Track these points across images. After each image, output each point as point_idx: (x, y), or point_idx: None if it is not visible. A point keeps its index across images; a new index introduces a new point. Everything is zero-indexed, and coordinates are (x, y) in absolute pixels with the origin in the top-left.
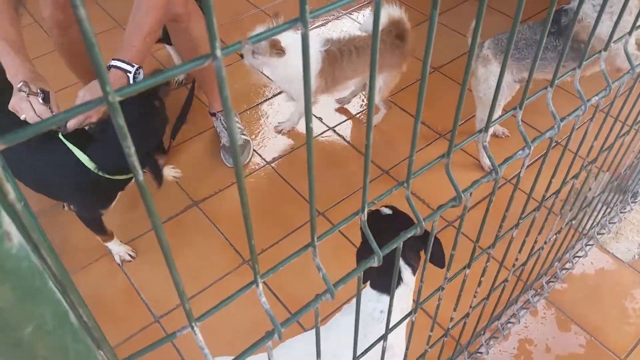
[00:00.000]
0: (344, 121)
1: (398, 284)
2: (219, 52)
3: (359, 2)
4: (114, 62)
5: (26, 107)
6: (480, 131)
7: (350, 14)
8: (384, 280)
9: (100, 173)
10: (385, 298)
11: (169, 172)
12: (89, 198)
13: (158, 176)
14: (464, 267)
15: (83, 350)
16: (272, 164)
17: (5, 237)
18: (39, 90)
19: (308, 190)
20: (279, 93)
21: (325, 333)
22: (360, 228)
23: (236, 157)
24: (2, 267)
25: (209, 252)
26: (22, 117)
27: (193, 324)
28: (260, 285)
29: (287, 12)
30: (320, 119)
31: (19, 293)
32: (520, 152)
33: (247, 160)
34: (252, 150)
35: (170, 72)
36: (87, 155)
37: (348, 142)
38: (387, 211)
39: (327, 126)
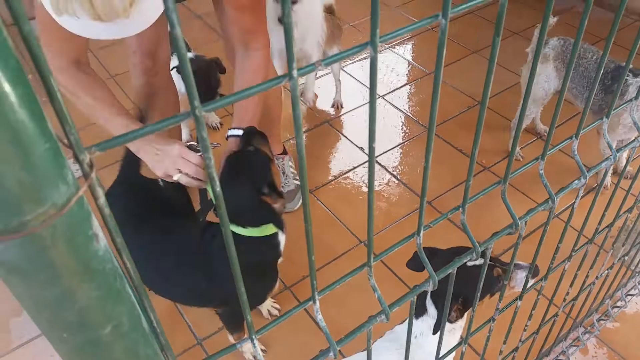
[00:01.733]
0: (387, 151)
1: (422, 313)
2: (295, 73)
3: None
4: (230, 132)
5: (184, 163)
6: (537, 159)
7: (393, 47)
8: (417, 305)
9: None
10: (418, 323)
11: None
12: (263, 279)
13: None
14: (516, 299)
15: (152, 355)
16: (313, 192)
17: (94, 239)
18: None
19: (353, 216)
20: (322, 123)
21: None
22: (414, 253)
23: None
24: (89, 266)
25: None
26: (175, 177)
27: (253, 336)
28: (318, 302)
29: None
30: (361, 149)
31: (102, 293)
32: (576, 181)
33: (297, 206)
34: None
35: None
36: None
37: (390, 172)
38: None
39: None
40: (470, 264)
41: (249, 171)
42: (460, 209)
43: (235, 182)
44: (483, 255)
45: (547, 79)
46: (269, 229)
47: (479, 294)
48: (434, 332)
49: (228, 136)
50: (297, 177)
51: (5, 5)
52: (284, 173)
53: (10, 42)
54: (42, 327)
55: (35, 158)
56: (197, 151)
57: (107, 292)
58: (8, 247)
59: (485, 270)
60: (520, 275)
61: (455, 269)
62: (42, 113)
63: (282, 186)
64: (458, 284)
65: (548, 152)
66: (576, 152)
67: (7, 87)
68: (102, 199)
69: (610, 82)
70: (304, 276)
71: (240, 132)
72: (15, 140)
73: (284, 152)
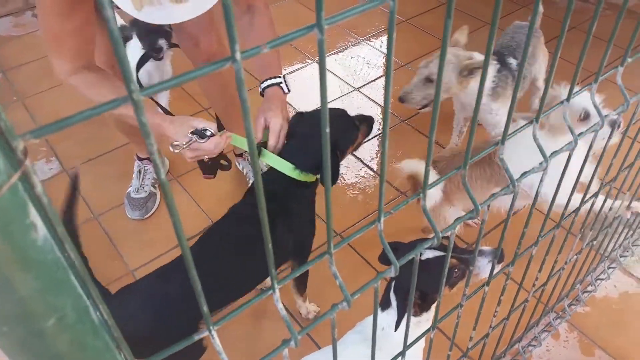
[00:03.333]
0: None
1: (387, 306)
2: (238, 55)
3: (376, 28)
4: (265, 84)
5: (207, 146)
6: (496, 143)
7: (369, 40)
8: (384, 297)
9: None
10: (384, 316)
11: (311, 306)
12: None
13: (304, 281)
14: (483, 285)
15: (102, 348)
16: None
17: (32, 228)
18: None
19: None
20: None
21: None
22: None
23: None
24: (27, 256)
25: None
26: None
27: (211, 327)
28: (277, 291)
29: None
30: None
31: (43, 284)
32: (537, 165)
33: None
34: None
35: (189, 75)
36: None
37: (366, 164)
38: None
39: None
40: (423, 257)
41: (341, 124)
42: (421, 194)
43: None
44: (445, 242)
45: None
46: (314, 178)
47: (442, 287)
48: (395, 329)
49: (265, 87)
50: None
51: None
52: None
53: None
54: None
55: None
56: (204, 135)
57: (48, 283)
58: None
59: (447, 260)
60: (482, 262)
61: (418, 256)
62: None
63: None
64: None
65: (508, 136)
66: (537, 137)
67: None
68: (39, 188)
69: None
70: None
71: (278, 80)
72: None
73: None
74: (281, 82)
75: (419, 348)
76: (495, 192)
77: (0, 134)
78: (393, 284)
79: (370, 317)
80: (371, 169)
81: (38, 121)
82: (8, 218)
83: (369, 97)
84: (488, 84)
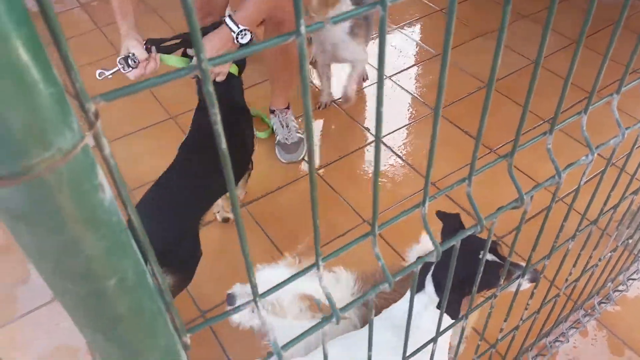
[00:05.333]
0: (392, 132)
1: (419, 289)
2: (303, 29)
3: (411, 16)
4: (227, 20)
5: (132, 75)
6: (544, 133)
7: (402, 28)
8: (418, 281)
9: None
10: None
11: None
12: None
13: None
14: (518, 277)
15: (157, 312)
16: (317, 171)
17: (99, 188)
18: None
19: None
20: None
21: (363, 334)
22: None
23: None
24: (95, 215)
25: (255, 253)
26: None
27: (257, 298)
28: (322, 267)
29: None
30: (367, 129)
31: (108, 244)
32: (583, 158)
33: (302, 156)
34: (305, 147)
35: (256, 46)
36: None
37: (396, 153)
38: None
39: (373, 135)
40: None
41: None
42: (467, 181)
43: None
44: (488, 232)
45: None
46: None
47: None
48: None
49: (222, 21)
50: (299, 130)
51: None
52: (287, 126)
53: None
54: (46, 277)
55: (40, 102)
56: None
57: (112, 243)
58: (13, 193)
59: (494, 265)
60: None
61: (462, 254)
62: (46, 57)
63: (286, 139)
64: (467, 275)
65: (556, 127)
66: (584, 128)
67: (10, 28)
68: (107, 150)
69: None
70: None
71: (233, 26)
72: (19, 82)
73: (288, 107)
74: (237, 32)
75: (444, 339)
76: (539, 183)
77: (75, 96)
78: (432, 268)
79: (397, 305)
80: (400, 157)
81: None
82: (80, 178)
83: (400, 85)
84: (346, 23)
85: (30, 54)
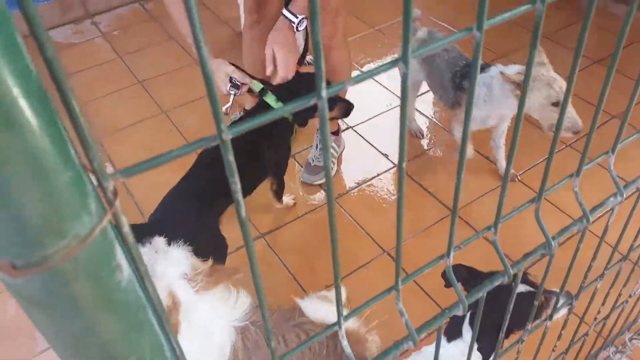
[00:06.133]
0: (412, 159)
1: (456, 337)
2: (324, 93)
3: None
4: (284, 12)
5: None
6: (571, 175)
7: None
8: (451, 327)
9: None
10: (449, 346)
11: (287, 199)
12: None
13: (280, 191)
14: (546, 319)
15: None
16: (337, 200)
17: (117, 270)
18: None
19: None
20: (346, 129)
21: None
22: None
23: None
24: (112, 298)
25: (273, 285)
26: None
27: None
28: (343, 327)
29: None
30: (386, 155)
31: (125, 325)
32: (612, 199)
33: (319, 182)
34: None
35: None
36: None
37: (415, 180)
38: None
39: (393, 163)
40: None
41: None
42: (492, 228)
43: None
44: (514, 278)
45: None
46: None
47: (528, 323)
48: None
49: (281, 13)
50: (333, 160)
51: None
52: (317, 147)
53: (33, 65)
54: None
55: (56, 188)
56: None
57: (130, 324)
58: (29, 281)
59: (528, 298)
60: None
61: (495, 295)
62: (65, 139)
63: (312, 159)
64: (505, 314)
65: (584, 168)
66: (612, 168)
67: (29, 114)
68: (126, 228)
69: (460, 80)
70: (326, 285)
71: (291, 16)
72: (36, 170)
73: (336, 133)
74: (297, 22)
75: None
76: (565, 228)
77: (93, 175)
78: (469, 316)
79: (429, 348)
80: (420, 185)
81: (94, 127)
82: (97, 262)
83: (418, 110)
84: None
85: (49, 139)
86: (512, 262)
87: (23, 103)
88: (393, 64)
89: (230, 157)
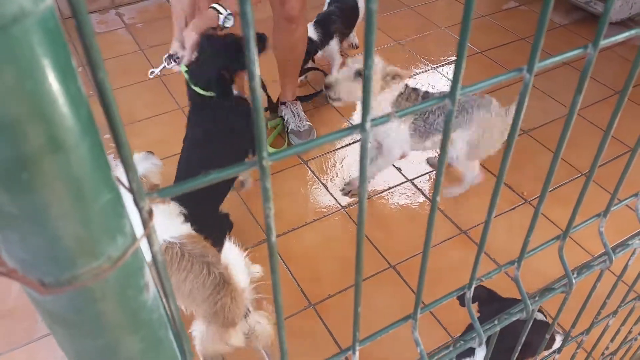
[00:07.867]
0: (424, 174)
1: (467, 355)
2: (368, 125)
3: (450, 55)
4: (215, 5)
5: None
6: (598, 215)
7: (438, 68)
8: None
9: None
10: None
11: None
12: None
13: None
14: (553, 352)
15: None
16: (346, 209)
17: (144, 289)
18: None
19: (384, 238)
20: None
21: None
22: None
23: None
24: (137, 318)
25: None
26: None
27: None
28: (357, 353)
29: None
30: (398, 169)
31: (146, 344)
32: (637, 241)
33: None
34: (315, 134)
35: (321, 139)
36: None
37: (426, 196)
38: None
39: (406, 177)
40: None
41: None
42: (516, 264)
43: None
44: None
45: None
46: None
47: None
48: None
49: (210, 6)
50: (308, 119)
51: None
52: (298, 115)
53: (83, 88)
54: None
55: (95, 211)
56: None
57: (151, 343)
58: (56, 298)
59: (543, 324)
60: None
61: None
62: (108, 162)
63: (298, 127)
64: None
65: (612, 208)
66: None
67: (77, 138)
68: (156, 246)
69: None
70: (330, 295)
71: (221, 9)
72: (78, 193)
73: (296, 99)
74: (222, 15)
75: None
76: (588, 266)
77: (131, 193)
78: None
79: None
80: (429, 200)
81: None
82: (126, 283)
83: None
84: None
85: (93, 162)
86: (528, 294)
87: (73, 127)
88: (441, 99)
89: (267, 184)
